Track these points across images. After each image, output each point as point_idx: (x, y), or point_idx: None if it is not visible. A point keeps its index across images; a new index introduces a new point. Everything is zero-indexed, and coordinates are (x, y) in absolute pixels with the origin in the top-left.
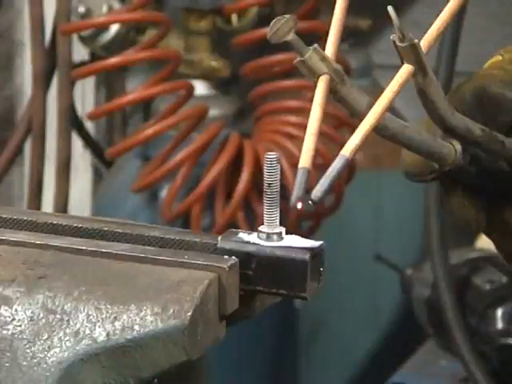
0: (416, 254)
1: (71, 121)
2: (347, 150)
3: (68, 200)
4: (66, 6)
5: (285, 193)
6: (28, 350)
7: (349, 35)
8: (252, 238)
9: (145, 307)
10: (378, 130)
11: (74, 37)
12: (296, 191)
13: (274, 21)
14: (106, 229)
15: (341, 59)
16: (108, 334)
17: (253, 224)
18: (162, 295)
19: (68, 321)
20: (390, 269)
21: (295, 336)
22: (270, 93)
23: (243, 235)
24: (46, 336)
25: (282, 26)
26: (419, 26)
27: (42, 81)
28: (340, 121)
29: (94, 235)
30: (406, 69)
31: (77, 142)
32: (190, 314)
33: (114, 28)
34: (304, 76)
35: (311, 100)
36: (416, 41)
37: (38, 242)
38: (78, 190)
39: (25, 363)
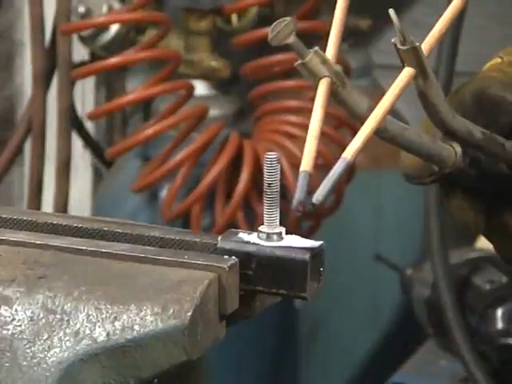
0: (416, 254)
1: (71, 121)
2: (349, 153)
3: (68, 200)
4: (65, 5)
5: (285, 193)
6: (28, 350)
7: (349, 35)
8: (252, 238)
9: (145, 307)
10: (378, 132)
11: (74, 37)
12: (298, 194)
13: (274, 23)
14: (106, 229)
15: (341, 59)
16: (108, 334)
17: (253, 224)
18: (162, 295)
19: (68, 321)
20: (390, 269)
21: (295, 336)
22: (270, 93)
23: (243, 235)
24: (46, 336)
25: (283, 29)
26: (419, 27)
27: (42, 81)
28: (340, 121)
29: (94, 235)
30: (407, 72)
31: (77, 142)
32: (189, 313)
33: (114, 28)
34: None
35: (311, 100)
36: (417, 44)
37: (38, 242)
38: (78, 190)
39: (25, 363)
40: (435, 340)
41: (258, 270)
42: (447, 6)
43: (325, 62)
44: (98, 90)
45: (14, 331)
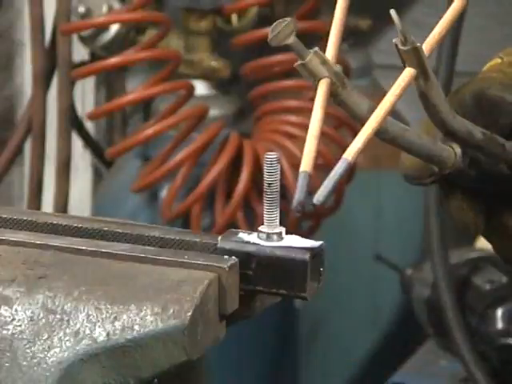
0: (416, 254)
1: (71, 121)
2: (350, 154)
3: (68, 200)
4: (66, 5)
5: (285, 193)
6: (28, 350)
7: (349, 35)
8: (252, 238)
9: (145, 307)
10: (379, 133)
11: (74, 37)
12: (298, 195)
13: (274, 24)
14: (106, 229)
15: (341, 59)
16: (108, 334)
17: (253, 224)
18: (162, 295)
19: (68, 321)
20: (390, 269)
21: (295, 336)
22: (270, 93)
23: (243, 235)
24: (46, 336)
25: (283, 29)
26: (419, 26)
27: (42, 81)
28: (340, 121)
29: (94, 235)
30: (408, 72)
31: (77, 142)
32: (190, 314)
33: (114, 28)
34: None
35: (311, 100)
36: (418, 44)
37: (38, 242)
38: (78, 190)
39: (25, 363)
40: (435, 340)
41: (258, 270)
42: (447, 6)
43: (325, 62)
44: (98, 90)
45: (14, 331)
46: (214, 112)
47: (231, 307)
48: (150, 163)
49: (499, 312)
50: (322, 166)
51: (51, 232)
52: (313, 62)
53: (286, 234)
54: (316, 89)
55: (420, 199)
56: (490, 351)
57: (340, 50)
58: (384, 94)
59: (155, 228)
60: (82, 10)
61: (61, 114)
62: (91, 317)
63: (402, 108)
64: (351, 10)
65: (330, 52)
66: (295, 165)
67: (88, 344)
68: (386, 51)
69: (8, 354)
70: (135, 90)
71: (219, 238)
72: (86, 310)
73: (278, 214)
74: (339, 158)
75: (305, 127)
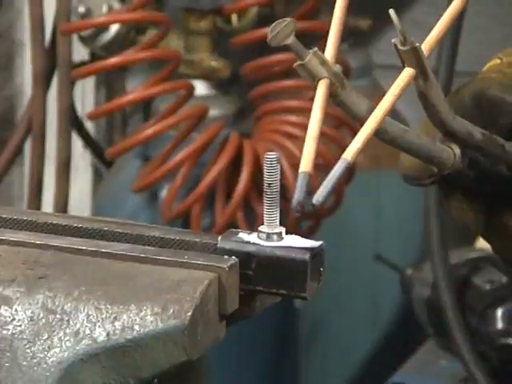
0: (416, 254)
1: (71, 121)
2: (349, 154)
3: (68, 200)
4: (65, 5)
5: (285, 193)
6: (28, 350)
7: (349, 35)
8: (252, 238)
9: (145, 307)
10: (378, 134)
11: (74, 37)
12: (297, 195)
13: (274, 24)
14: (106, 229)
15: (340, 60)
16: (108, 334)
17: (253, 224)
18: (162, 295)
19: (68, 321)
20: (390, 269)
21: (295, 336)
22: (270, 93)
23: (243, 235)
24: (46, 336)
25: (282, 30)
26: (419, 26)
27: (42, 81)
28: (340, 121)
29: (94, 235)
30: (408, 72)
31: (77, 142)
32: (190, 314)
33: (114, 28)
34: None
35: (311, 100)
36: (417, 44)
37: (38, 242)
38: (78, 190)
39: (25, 363)
40: (435, 340)
41: (258, 270)
42: (447, 5)
43: (324, 63)
44: (98, 90)
45: (14, 331)
46: (213, 112)
47: (231, 307)
48: (149, 163)
49: (499, 312)
50: (322, 166)
51: (51, 232)
52: (312, 63)
53: (286, 234)
54: (315, 89)
55: (420, 199)
56: (490, 351)
57: (340, 50)
58: (384, 94)
59: (155, 228)
60: (82, 9)
61: (61, 114)
62: (91, 317)
63: (402, 108)
64: (351, 9)
65: (330, 52)
66: (295, 165)
67: (88, 344)
68: (386, 51)
69: (8, 354)
70: (135, 90)
71: (219, 238)
72: (85, 310)
73: (277, 214)
74: (339, 158)
75: (305, 127)
